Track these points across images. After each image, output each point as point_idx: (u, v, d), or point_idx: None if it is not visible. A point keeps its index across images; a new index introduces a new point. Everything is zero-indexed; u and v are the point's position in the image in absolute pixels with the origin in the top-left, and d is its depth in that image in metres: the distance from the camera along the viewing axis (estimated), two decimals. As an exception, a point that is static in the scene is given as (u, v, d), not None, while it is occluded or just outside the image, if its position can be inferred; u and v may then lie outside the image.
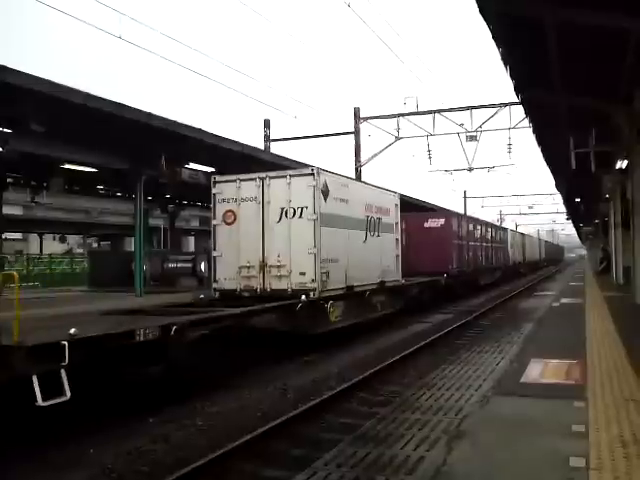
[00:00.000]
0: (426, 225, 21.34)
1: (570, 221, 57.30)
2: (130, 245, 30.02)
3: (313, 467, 3.94)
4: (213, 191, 11.69)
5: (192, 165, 15.44)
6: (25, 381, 5.47)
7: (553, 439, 4.18)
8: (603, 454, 3.84)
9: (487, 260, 28.45)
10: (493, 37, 8.50)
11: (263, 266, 11.14)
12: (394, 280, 15.05)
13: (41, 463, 5.54)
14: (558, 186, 28.06)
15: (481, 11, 7.58)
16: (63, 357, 5.73)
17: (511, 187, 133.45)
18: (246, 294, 11.19)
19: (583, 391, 5.55)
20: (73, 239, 45.65)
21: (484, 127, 23.59)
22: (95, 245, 42.64)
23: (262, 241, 11.17)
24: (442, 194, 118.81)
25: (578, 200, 30.83)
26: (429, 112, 23.77)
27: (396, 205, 15.53)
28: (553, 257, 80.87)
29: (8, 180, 17.01)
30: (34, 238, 41.01)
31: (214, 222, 11.68)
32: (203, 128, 13.02)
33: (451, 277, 20.75)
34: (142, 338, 7.06)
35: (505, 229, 37.49)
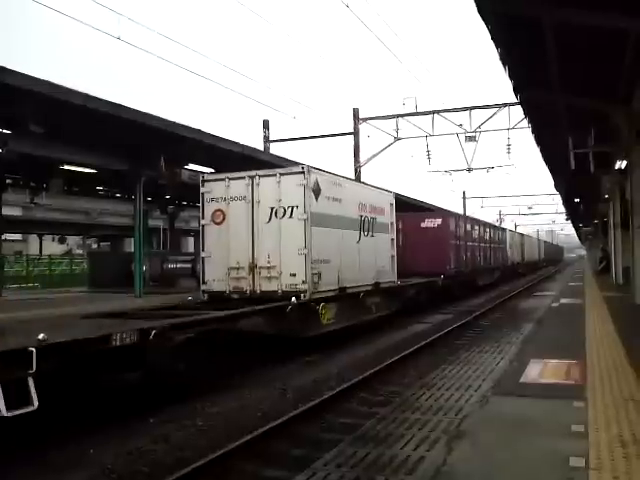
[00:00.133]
0: (423, 225, 21.09)
1: (569, 221, 57.36)
2: (130, 246, 30.04)
3: (313, 467, 3.94)
4: (202, 190, 11.42)
5: (191, 166, 15.46)
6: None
7: (553, 439, 4.19)
8: (603, 454, 3.85)
9: (485, 260, 28.27)
10: (492, 37, 8.51)
11: (253, 267, 10.90)
12: (389, 281, 14.78)
13: (41, 464, 5.53)
14: (557, 186, 28.09)
15: (479, 11, 7.59)
16: (30, 364, 5.40)
17: (510, 188, 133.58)
18: (235, 296, 10.95)
19: (583, 391, 5.56)
20: (73, 240, 45.67)
21: (483, 127, 23.66)
22: (95, 246, 42.66)
23: (252, 241, 10.93)
24: (441, 195, 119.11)
25: (577, 200, 30.88)
26: (428, 113, 23.81)
27: (391, 204, 15.26)
28: (552, 257, 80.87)
29: (7, 181, 17.03)
30: (34, 239, 41.03)
31: (203, 222, 11.42)
32: (202, 129, 13.06)
33: (448, 278, 20.47)
34: (119, 343, 6.71)
35: (504, 229, 37.41)
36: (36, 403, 5.35)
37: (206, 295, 11.24)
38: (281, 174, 10.94)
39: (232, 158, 13.90)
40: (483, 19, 7.86)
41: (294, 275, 10.62)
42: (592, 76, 10.65)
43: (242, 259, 10.97)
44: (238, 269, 10.98)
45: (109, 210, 30.96)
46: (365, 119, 24.68)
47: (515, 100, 14.62)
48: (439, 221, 21.48)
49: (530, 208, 55.81)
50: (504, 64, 9.84)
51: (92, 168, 14.62)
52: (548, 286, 28.85)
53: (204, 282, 11.28)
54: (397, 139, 24.74)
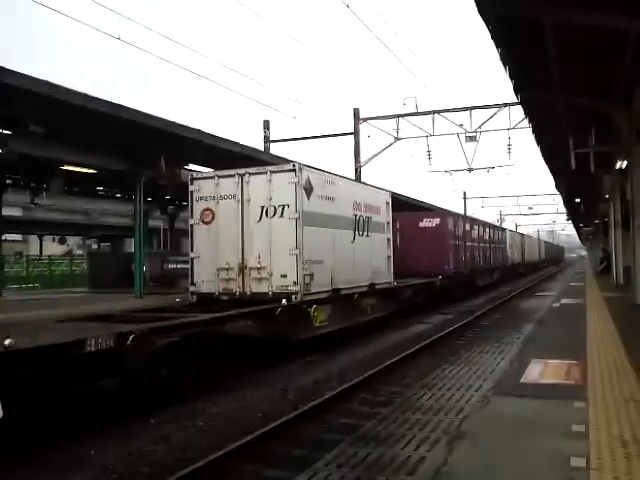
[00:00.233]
0: (421, 225, 20.78)
1: (570, 221, 57.37)
2: (130, 246, 30.01)
3: (314, 467, 3.94)
4: (190, 188, 11.11)
5: (192, 166, 15.47)
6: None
7: (553, 439, 4.18)
8: (603, 454, 3.84)
9: (485, 261, 28.08)
10: (492, 37, 8.52)
11: (243, 268, 10.59)
12: (385, 282, 14.47)
13: (41, 466, 5.52)
14: (558, 186, 28.09)
15: (480, 12, 7.59)
16: None
17: (511, 188, 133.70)
18: (225, 298, 10.67)
19: (583, 391, 5.55)
20: (73, 240, 45.67)
21: (484, 127, 23.65)
22: (95, 246, 42.63)
23: (241, 242, 10.62)
24: (442, 195, 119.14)
25: (578, 200, 30.86)
26: (428, 113, 23.81)
27: (387, 203, 14.90)
28: (553, 257, 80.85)
29: (7, 182, 17.05)
30: (34, 239, 41.00)
31: (191, 221, 11.11)
32: (202, 129, 13.07)
33: (447, 278, 20.24)
34: (93, 348, 6.35)
35: (504, 229, 37.31)
36: (1, 413, 5.07)
37: (195, 297, 10.95)
38: (272, 172, 10.65)
39: (232, 158, 13.90)
40: (483, 19, 7.87)
41: (285, 276, 10.33)
42: (592, 76, 10.65)
43: (232, 260, 10.67)
44: (228, 270, 10.69)
45: (109, 210, 30.93)
46: (365, 119, 24.68)
47: (516, 100, 14.61)
48: (437, 221, 21.16)
49: (531, 208, 55.80)
50: (504, 64, 9.84)
51: (92, 168, 14.64)
52: (549, 286, 28.83)
53: (193, 283, 11.00)
54: (397, 139, 24.73)
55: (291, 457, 5.64)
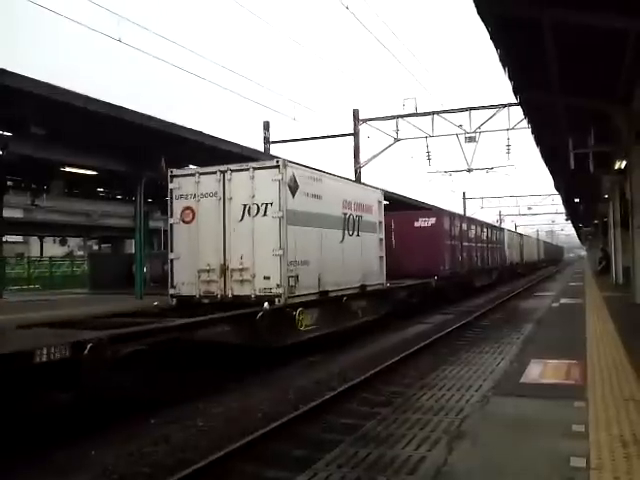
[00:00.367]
0: (416, 224, 20.22)
1: (569, 221, 57.39)
2: (131, 247, 30.02)
3: (314, 468, 3.95)
4: (170, 186, 10.63)
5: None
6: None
7: (553, 439, 4.20)
8: (603, 454, 3.86)
9: (483, 261, 27.73)
10: (491, 38, 8.54)
11: (224, 270, 10.11)
12: (377, 283, 13.90)
13: (42, 466, 5.53)
14: (557, 186, 28.12)
15: (479, 12, 7.62)
16: None
17: (510, 188, 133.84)
18: (206, 300, 10.19)
19: (583, 391, 5.56)
20: (74, 242, 45.76)
21: (483, 128, 23.73)
22: (96, 247, 42.69)
23: (223, 242, 10.14)
24: (441, 195, 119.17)
25: (577, 200, 30.90)
26: (428, 113, 23.87)
27: (379, 202, 14.35)
28: (552, 257, 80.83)
29: (8, 183, 17.09)
30: (35, 241, 41.07)
31: (171, 221, 10.66)
32: (202, 131, 13.10)
33: (443, 279, 19.77)
34: (45, 359, 5.80)
35: (502, 229, 37.07)
36: None
37: (174, 300, 10.45)
38: (254, 168, 10.17)
39: (231, 159, 13.92)
40: (482, 20, 7.89)
41: (268, 278, 9.83)
42: (591, 76, 10.67)
43: (213, 261, 10.20)
44: (209, 272, 10.21)
45: (110, 212, 30.96)
46: (365, 120, 24.73)
47: (515, 101, 14.63)
48: (433, 220, 20.62)
49: (530, 208, 55.88)
50: (504, 65, 9.87)
51: (93, 170, 14.68)
52: (548, 286, 28.84)
53: (172, 286, 10.50)
54: (397, 140, 24.78)
55: (291, 457, 5.65)
